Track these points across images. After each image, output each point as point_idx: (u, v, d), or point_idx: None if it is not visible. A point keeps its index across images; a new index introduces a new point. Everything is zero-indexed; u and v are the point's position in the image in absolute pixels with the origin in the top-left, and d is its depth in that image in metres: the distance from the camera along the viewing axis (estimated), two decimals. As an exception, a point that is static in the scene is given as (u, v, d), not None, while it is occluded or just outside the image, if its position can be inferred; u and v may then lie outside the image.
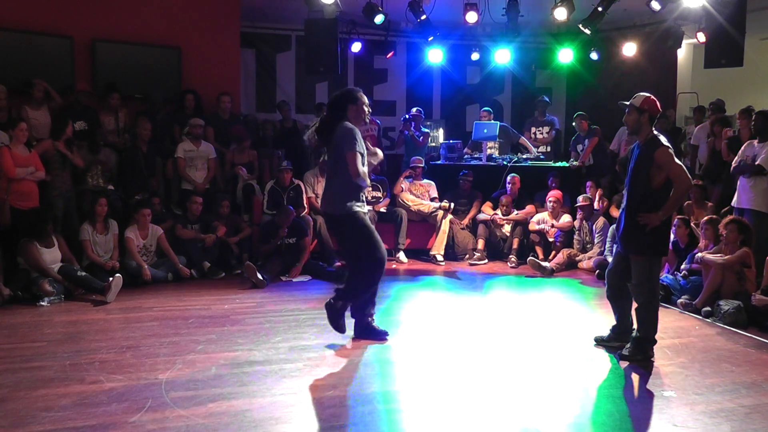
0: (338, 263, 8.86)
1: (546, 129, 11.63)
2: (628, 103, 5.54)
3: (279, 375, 5.02)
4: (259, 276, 7.99)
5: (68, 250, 7.82)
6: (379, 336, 5.97)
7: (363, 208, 5.76)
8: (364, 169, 5.60)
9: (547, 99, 12.13)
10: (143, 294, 7.64)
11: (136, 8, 9.97)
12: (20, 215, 7.66)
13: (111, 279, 7.35)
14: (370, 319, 6.04)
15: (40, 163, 7.95)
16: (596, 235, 9.33)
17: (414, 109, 11.18)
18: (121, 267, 7.97)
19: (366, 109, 5.78)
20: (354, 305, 5.94)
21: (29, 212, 7.63)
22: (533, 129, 11.71)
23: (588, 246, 9.44)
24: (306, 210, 9.34)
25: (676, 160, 5.38)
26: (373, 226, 5.83)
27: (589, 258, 9.28)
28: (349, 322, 5.95)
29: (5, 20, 9.07)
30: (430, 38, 11.55)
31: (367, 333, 5.98)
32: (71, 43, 9.49)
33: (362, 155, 5.61)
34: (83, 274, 7.56)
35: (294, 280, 8.41)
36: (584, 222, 9.47)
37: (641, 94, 5.53)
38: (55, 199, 8.20)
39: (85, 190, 8.61)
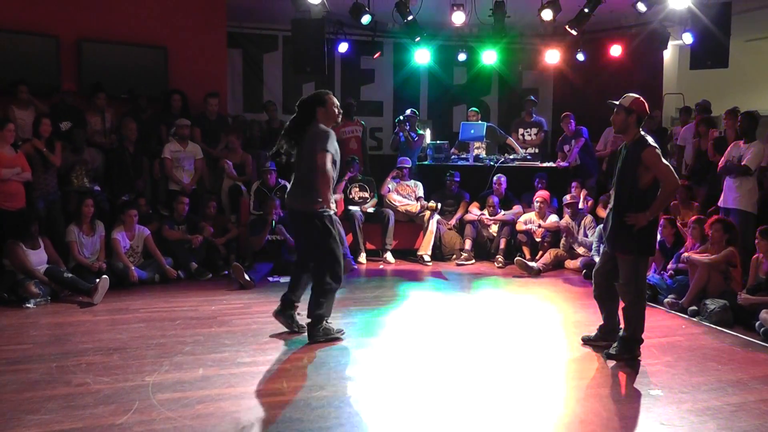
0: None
1: (534, 130, 11.62)
2: (617, 102, 5.56)
3: (266, 376, 5.01)
4: (246, 277, 7.97)
5: (54, 251, 7.76)
6: (295, 330, 6.07)
7: (332, 210, 5.82)
8: (330, 168, 5.63)
9: (534, 98, 12.15)
10: (130, 295, 7.60)
11: (122, 8, 9.93)
12: (6, 216, 7.62)
13: (98, 280, 7.31)
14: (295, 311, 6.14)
15: (26, 163, 7.91)
16: (588, 232, 9.34)
17: (408, 111, 11.17)
18: (107, 268, 7.91)
19: (336, 109, 5.82)
20: (290, 288, 6.09)
21: (14, 213, 7.59)
22: (521, 130, 11.69)
23: (576, 245, 9.44)
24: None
25: (664, 161, 5.40)
26: (341, 229, 5.90)
27: (578, 256, 9.31)
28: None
29: (-9, 21, 9.03)
30: (417, 39, 11.55)
31: (286, 319, 6.09)
32: (57, 43, 9.44)
33: (334, 157, 5.68)
34: (70, 275, 7.51)
35: (281, 280, 8.38)
36: (572, 221, 9.49)
37: (630, 94, 5.55)
38: (37, 199, 8.16)
39: (70, 191, 8.57)
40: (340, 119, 5.95)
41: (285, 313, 6.10)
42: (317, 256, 5.85)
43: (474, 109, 11.79)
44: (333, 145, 5.64)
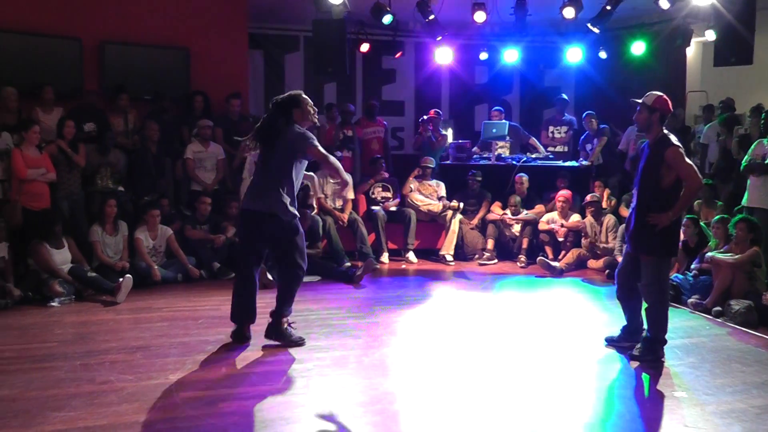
0: (348, 263, 8.89)
1: (564, 129, 11.55)
2: (639, 101, 5.52)
3: (289, 375, 5.03)
4: (269, 276, 7.99)
5: (78, 251, 7.84)
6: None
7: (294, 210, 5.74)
8: (329, 156, 5.70)
9: (566, 97, 12.05)
10: (153, 294, 7.65)
11: (145, 10, 9.97)
12: (31, 216, 7.72)
13: (121, 280, 7.37)
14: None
15: (51, 164, 7.99)
16: (609, 233, 9.28)
17: (432, 111, 11.14)
18: (130, 268, 7.98)
19: (311, 109, 5.72)
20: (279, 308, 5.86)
21: (39, 213, 7.69)
22: (551, 128, 11.63)
23: (599, 245, 9.38)
24: (315, 210, 9.34)
25: (687, 160, 5.35)
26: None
27: (600, 257, 9.25)
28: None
29: (15, 23, 9.09)
30: (439, 38, 11.51)
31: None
32: (80, 46, 9.50)
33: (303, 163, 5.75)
34: (93, 274, 7.59)
35: (304, 279, 8.37)
36: (593, 221, 9.43)
37: (653, 93, 5.50)
38: (61, 200, 8.24)
39: (94, 191, 8.63)
40: (315, 119, 5.83)
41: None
42: (290, 261, 5.77)
43: (498, 108, 11.74)
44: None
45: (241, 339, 5.82)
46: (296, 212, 5.70)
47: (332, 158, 5.76)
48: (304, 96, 5.73)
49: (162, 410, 4.34)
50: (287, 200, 5.57)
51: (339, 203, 9.84)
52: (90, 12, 9.63)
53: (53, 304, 7.13)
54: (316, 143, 5.59)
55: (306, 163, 5.81)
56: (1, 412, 4.29)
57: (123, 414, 4.27)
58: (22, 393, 4.62)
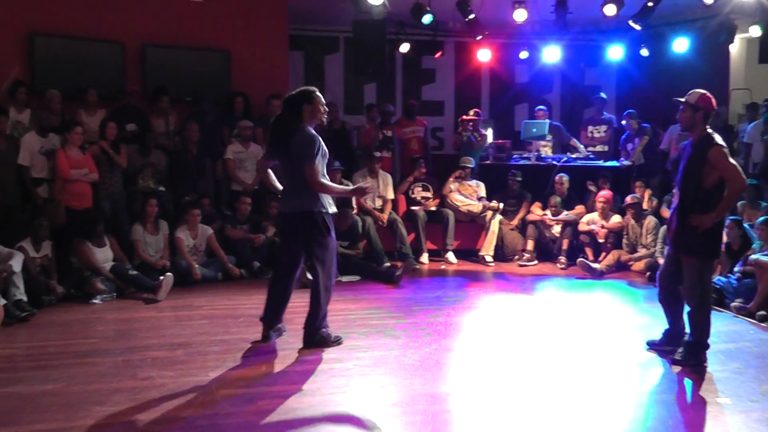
0: (388, 263, 8.89)
1: (603, 128, 11.40)
2: (683, 99, 5.42)
3: (329, 374, 5.03)
4: (309, 276, 8.00)
5: (120, 249, 7.97)
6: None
7: (332, 209, 5.68)
8: (321, 180, 5.49)
9: (604, 96, 11.94)
10: (193, 293, 7.73)
11: (186, 13, 10.07)
12: (74, 215, 7.86)
13: (162, 278, 7.47)
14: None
15: (93, 165, 8.13)
16: (649, 236, 9.16)
17: (471, 111, 11.09)
18: (171, 266, 8.07)
19: (322, 108, 5.63)
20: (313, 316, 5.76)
21: (81, 212, 7.82)
22: (590, 127, 11.51)
23: (639, 247, 9.26)
24: (355, 210, 9.36)
25: (731, 159, 5.23)
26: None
27: (639, 258, 9.12)
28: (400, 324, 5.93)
29: (60, 28, 9.24)
30: (479, 37, 11.48)
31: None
32: (122, 49, 9.63)
33: (323, 160, 5.54)
34: (134, 272, 7.71)
35: (343, 280, 8.41)
36: (634, 222, 9.31)
37: (697, 90, 5.40)
38: (103, 200, 8.37)
39: (135, 191, 8.74)
40: (325, 119, 5.75)
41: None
42: (318, 261, 5.67)
43: (542, 107, 11.65)
44: (321, 150, 5.48)
45: (264, 339, 5.85)
46: (328, 206, 5.61)
47: (325, 186, 5.55)
48: (317, 93, 5.65)
49: (202, 406, 4.37)
50: (312, 196, 5.51)
51: (379, 203, 9.85)
52: (132, 16, 9.75)
53: (95, 301, 7.25)
54: (315, 164, 5.41)
55: (327, 155, 5.64)
56: (46, 406, 4.36)
57: (164, 409, 4.32)
58: (65, 387, 4.70)
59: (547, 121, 11.12)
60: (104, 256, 7.71)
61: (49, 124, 8.22)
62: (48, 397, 4.51)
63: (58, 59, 9.20)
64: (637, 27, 10.36)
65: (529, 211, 10.16)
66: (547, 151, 10.98)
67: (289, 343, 5.78)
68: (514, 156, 10.96)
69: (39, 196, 7.98)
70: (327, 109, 5.79)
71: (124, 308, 7.10)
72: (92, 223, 7.69)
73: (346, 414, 4.30)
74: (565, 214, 9.84)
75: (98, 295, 7.30)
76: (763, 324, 6.67)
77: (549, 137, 11.05)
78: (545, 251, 9.97)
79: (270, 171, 5.88)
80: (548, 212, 9.93)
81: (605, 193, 9.63)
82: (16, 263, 6.66)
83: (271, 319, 5.86)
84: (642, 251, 9.16)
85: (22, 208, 7.99)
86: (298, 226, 5.60)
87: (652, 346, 5.77)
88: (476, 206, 10.03)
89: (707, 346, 5.41)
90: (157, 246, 8.28)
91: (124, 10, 9.72)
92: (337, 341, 5.78)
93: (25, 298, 6.63)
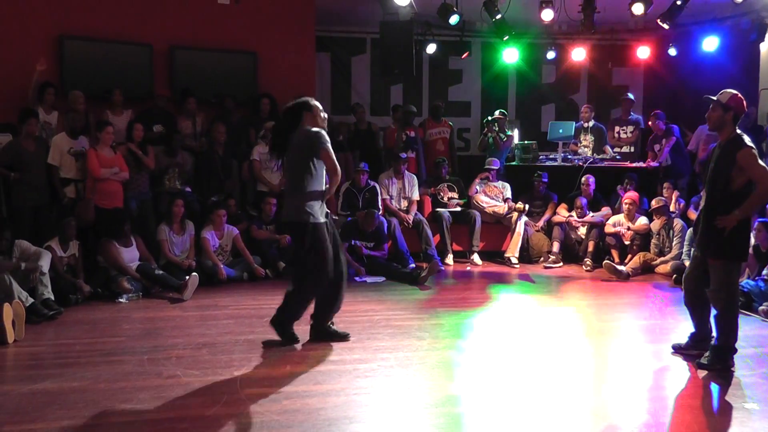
0: (413, 264, 8.87)
1: (630, 128, 11.26)
2: (714, 98, 5.34)
3: (353, 375, 5.01)
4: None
5: (146, 249, 8.01)
6: (341, 337, 5.85)
7: (322, 218, 5.58)
8: (337, 164, 5.51)
9: (632, 96, 11.84)
10: (219, 292, 7.75)
11: (213, 15, 10.14)
12: (102, 214, 7.92)
13: (187, 277, 7.50)
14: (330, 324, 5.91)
15: (124, 164, 8.20)
16: (674, 239, 9.04)
17: (497, 112, 11.04)
18: (197, 266, 8.10)
19: (321, 114, 5.62)
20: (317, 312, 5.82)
21: (109, 212, 7.88)
22: (617, 128, 11.37)
23: (666, 250, 9.15)
24: (381, 211, 9.35)
25: (760, 162, 5.12)
26: (329, 244, 5.59)
27: (666, 262, 9.01)
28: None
29: (89, 30, 9.36)
30: (506, 37, 11.42)
31: (328, 336, 5.84)
32: (150, 51, 9.72)
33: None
34: (160, 272, 7.74)
35: (368, 281, 8.40)
36: (661, 225, 9.19)
37: (728, 90, 5.32)
38: (130, 200, 8.43)
39: (162, 191, 8.80)
40: (324, 126, 5.66)
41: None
42: (302, 268, 5.67)
43: (587, 105, 11.56)
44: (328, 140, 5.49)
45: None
46: (317, 215, 5.53)
47: (338, 170, 5.53)
48: (315, 102, 5.66)
49: (227, 405, 4.37)
50: (305, 204, 5.47)
51: (404, 204, 9.83)
52: (160, 19, 9.85)
53: (121, 300, 7.30)
54: (329, 147, 5.43)
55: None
56: (72, 403, 4.38)
57: (189, 408, 4.32)
58: (91, 385, 4.72)
59: (573, 122, 11.04)
60: (130, 255, 7.76)
61: (79, 126, 8.28)
62: (74, 394, 4.53)
63: (88, 61, 9.32)
64: (666, 26, 10.26)
65: (554, 213, 10.09)
66: (586, 152, 10.86)
67: (313, 343, 5.76)
68: (541, 156, 10.88)
69: (66, 195, 8.04)
70: (326, 117, 5.74)
71: (150, 307, 7.13)
72: (119, 223, 7.74)
73: (371, 415, 4.27)
74: (590, 216, 9.75)
75: (124, 294, 7.34)
76: (792, 328, 6.55)
77: (590, 137, 10.94)
78: (571, 253, 9.88)
79: None
80: (574, 214, 9.86)
81: (631, 194, 9.53)
82: (45, 262, 6.72)
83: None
84: (669, 254, 9.05)
85: (51, 208, 8.06)
86: (294, 236, 5.74)
87: (678, 349, 5.66)
88: (501, 207, 9.99)
89: (734, 350, 5.30)
90: (183, 246, 8.32)
91: (153, 13, 9.81)
92: (344, 336, 5.82)
93: (52, 297, 6.68)
